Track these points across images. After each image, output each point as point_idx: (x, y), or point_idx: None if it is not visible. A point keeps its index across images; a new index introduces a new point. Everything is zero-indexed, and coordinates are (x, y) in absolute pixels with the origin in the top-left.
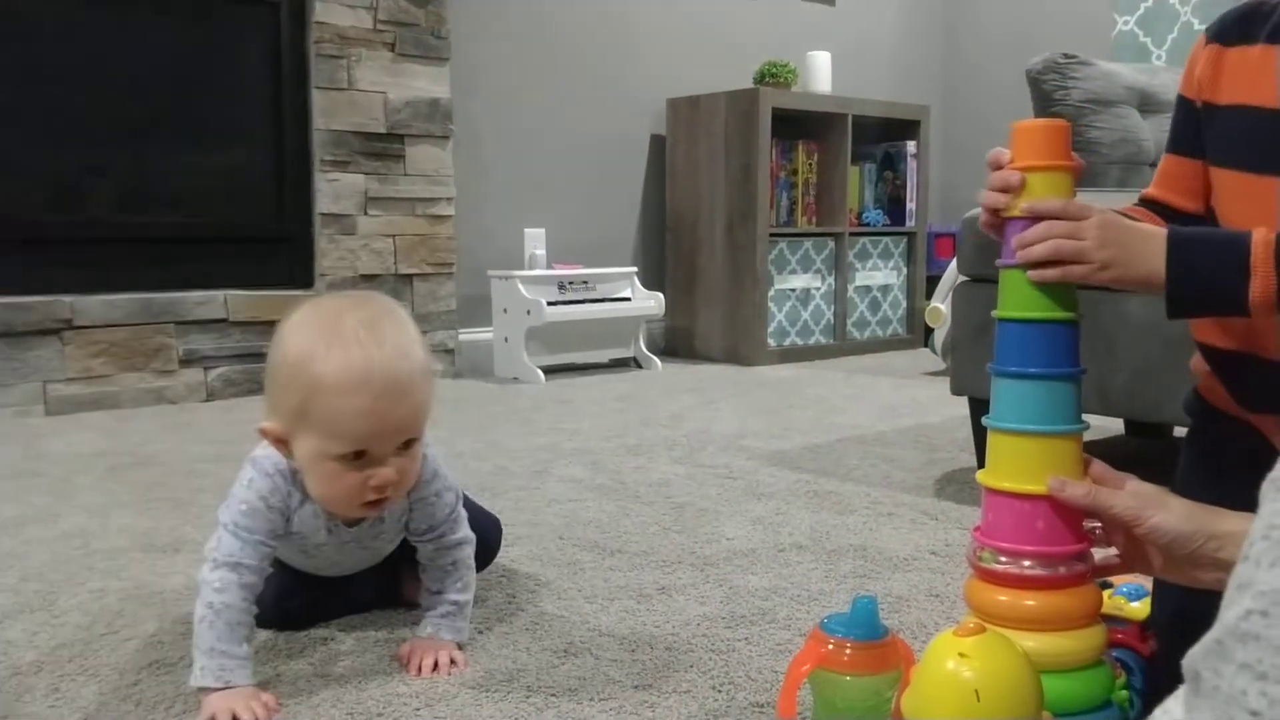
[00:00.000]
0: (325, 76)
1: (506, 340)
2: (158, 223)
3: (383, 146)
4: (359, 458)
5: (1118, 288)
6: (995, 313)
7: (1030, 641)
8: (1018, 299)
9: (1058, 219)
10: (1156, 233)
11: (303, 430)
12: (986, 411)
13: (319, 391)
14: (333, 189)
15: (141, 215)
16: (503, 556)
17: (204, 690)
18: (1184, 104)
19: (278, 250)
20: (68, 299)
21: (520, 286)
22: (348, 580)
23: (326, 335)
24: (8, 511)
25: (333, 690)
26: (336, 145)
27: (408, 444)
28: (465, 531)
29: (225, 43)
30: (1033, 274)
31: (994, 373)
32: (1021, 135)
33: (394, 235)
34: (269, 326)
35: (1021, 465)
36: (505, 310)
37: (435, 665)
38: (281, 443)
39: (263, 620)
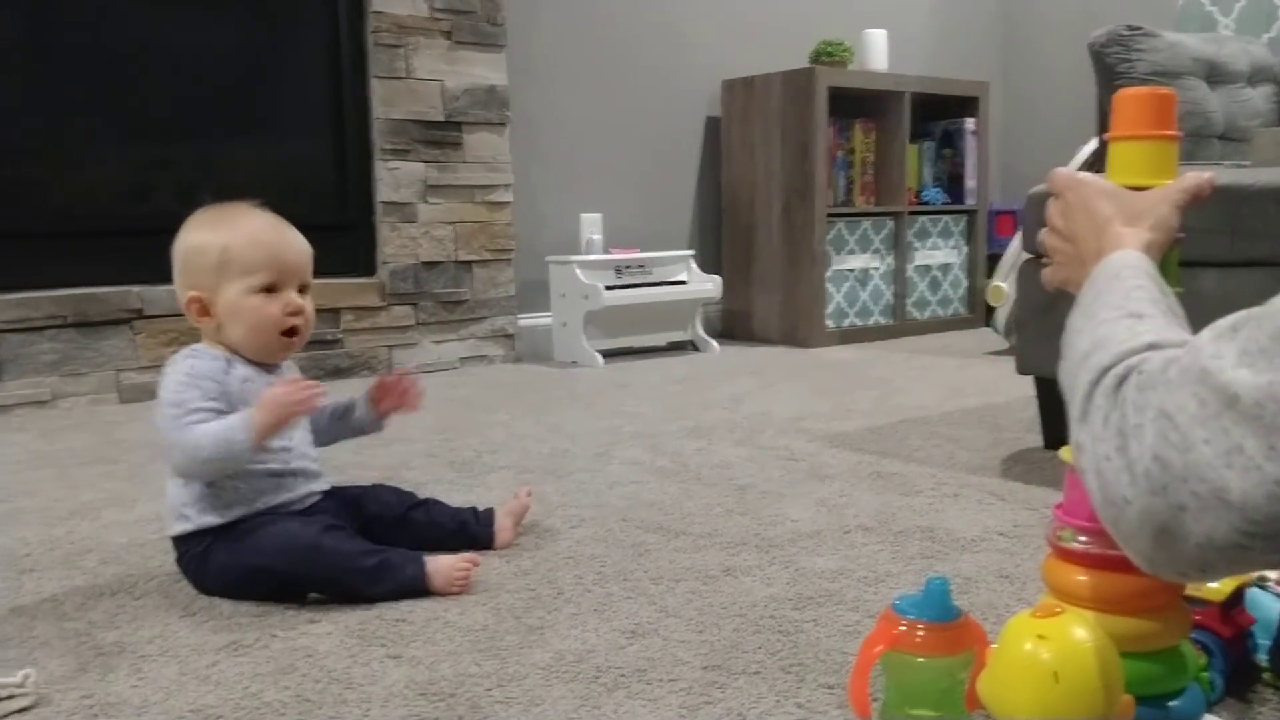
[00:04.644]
0: (383, 65)
1: (565, 325)
2: None
3: (441, 134)
4: (271, 291)
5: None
6: None
7: (1110, 622)
8: None
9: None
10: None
11: (223, 282)
12: (1052, 390)
13: (233, 245)
14: (393, 177)
15: None
16: (568, 538)
17: (255, 430)
18: None
19: (340, 239)
20: (137, 289)
21: (578, 271)
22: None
23: (223, 216)
24: (86, 496)
25: (404, 670)
26: (396, 134)
27: (303, 290)
28: None
29: (285, 34)
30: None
31: None
32: (1123, 104)
33: (454, 222)
34: (333, 314)
35: None
36: (563, 295)
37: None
38: (204, 310)
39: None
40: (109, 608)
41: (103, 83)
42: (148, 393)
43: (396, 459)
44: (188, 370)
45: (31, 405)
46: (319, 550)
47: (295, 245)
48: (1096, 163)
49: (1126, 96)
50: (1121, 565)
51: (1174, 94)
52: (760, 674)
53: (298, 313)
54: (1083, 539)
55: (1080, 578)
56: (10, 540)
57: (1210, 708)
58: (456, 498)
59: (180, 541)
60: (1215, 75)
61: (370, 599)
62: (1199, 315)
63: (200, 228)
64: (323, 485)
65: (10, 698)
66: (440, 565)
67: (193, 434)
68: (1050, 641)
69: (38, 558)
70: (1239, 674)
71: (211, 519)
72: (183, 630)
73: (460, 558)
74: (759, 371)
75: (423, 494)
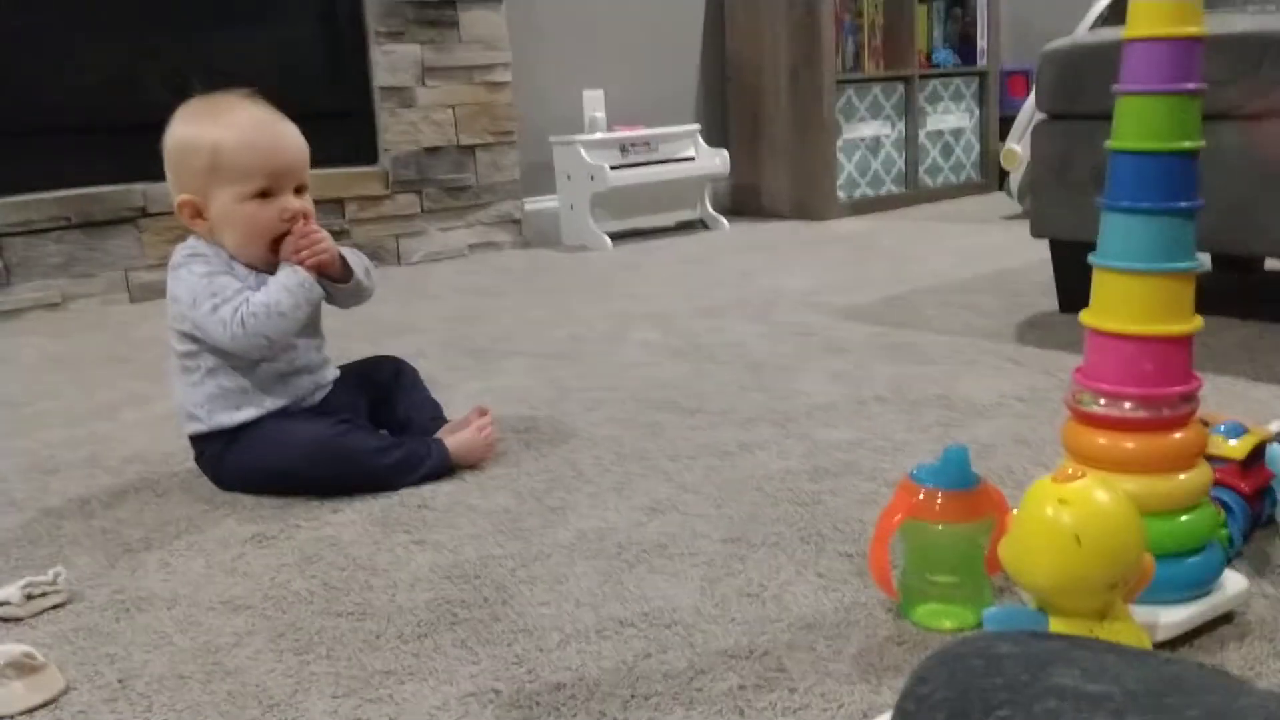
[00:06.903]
0: None
1: (572, 208)
2: None
3: (436, 14)
4: (266, 196)
5: None
6: (1109, 143)
7: (1131, 484)
8: (1135, 128)
9: None
10: None
11: (215, 186)
12: (1068, 253)
13: (224, 146)
14: (389, 61)
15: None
16: (585, 420)
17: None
18: None
19: (339, 126)
20: (139, 187)
21: (582, 151)
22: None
23: (213, 111)
24: (103, 396)
25: (429, 555)
26: (390, 15)
27: (300, 190)
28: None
29: None
30: None
31: (1105, 208)
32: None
33: (453, 105)
34: (336, 205)
35: (1132, 305)
36: (569, 177)
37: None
38: (197, 213)
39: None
40: (134, 505)
41: None
42: (157, 291)
43: (411, 348)
44: (204, 270)
45: (43, 308)
46: (343, 451)
47: (290, 145)
48: (1111, 17)
49: None
50: (1141, 426)
51: None
52: (779, 545)
53: (294, 218)
54: (1102, 402)
55: (1100, 441)
56: (33, 443)
57: (1229, 563)
58: (474, 385)
59: (197, 441)
60: None
61: (398, 487)
62: (1219, 170)
63: (188, 121)
64: (330, 376)
65: (44, 595)
66: (461, 441)
67: (257, 299)
68: (1072, 505)
69: (61, 458)
70: (1258, 529)
71: (223, 420)
72: (207, 525)
73: (480, 422)
74: (770, 247)
75: (440, 383)
